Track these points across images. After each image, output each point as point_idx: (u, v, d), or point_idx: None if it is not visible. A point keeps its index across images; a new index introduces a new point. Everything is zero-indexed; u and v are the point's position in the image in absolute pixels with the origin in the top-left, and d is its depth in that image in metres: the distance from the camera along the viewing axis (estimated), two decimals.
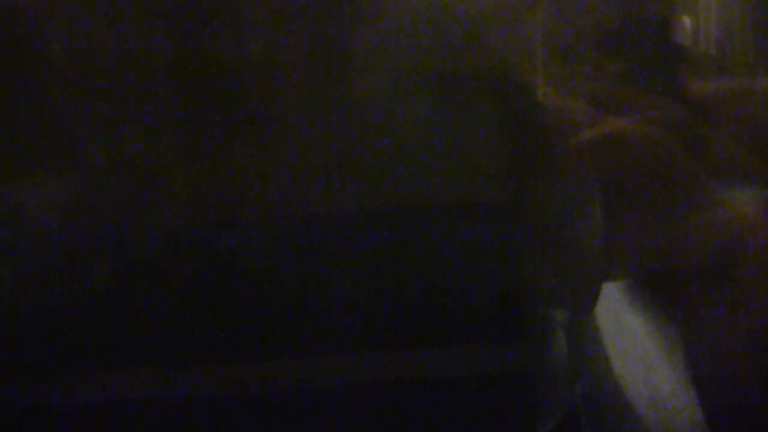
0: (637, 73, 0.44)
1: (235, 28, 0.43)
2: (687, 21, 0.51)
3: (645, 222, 0.41)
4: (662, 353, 0.43)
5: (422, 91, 0.43)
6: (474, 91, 0.43)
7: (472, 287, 0.43)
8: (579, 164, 0.42)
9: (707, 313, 0.40)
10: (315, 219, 0.43)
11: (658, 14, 0.47)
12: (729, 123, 0.41)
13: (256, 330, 0.44)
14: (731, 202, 0.41)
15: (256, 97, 0.43)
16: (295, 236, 0.43)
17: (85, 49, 0.43)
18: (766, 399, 0.40)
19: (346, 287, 0.43)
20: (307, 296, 0.44)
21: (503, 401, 0.44)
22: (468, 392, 0.44)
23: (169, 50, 0.43)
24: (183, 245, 0.44)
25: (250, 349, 0.44)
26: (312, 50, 0.43)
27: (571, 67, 0.43)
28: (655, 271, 0.42)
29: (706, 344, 0.40)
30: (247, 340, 0.44)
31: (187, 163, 0.43)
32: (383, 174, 0.43)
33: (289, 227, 0.43)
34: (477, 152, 0.43)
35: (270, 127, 0.43)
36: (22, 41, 0.43)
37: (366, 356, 0.44)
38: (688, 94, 0.42)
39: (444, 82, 0.43)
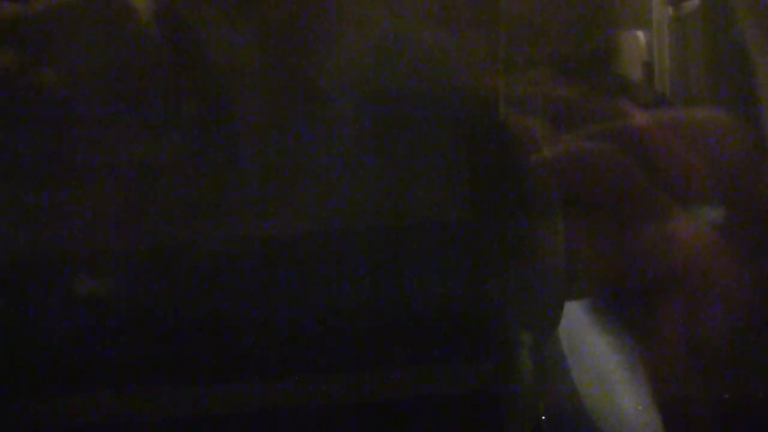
0: (590, 96, 0.44)
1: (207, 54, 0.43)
2: (641, 36, 0.52)
3: (607, 241, 0.42)
4: (624, 372, 0.43)
5: (384, 112, 0.43)
6: (435, 111, 0.43)
7: (435, 307, 0.43)
8: (541, 183, 0.42)
9: (667, 332, 0.41)
10: (278, 239, 0.43)
11: (606, 45, 0.48)
12: (675, 149, 0.42)
13: (225, 351, 0.43)
14: (691, 222, 0.41)
15: (220, 120, 0.43)
16: (264, 256, 0.43)
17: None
18: (726, 418, 0.41)
19: (309, 308, 0.43)
20: (273, 317, 0.43)
21: (467, 421, 0.43)
22: (432, 412, 0.44)
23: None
24: (155, 262, 0.43)
25: (219, 371, 0.43)
26: (274, 72, 0.43)
27: (532, 87, 0.44)
28: (617, 290, 0.42)
29: (667, 363, 0.41)
30: (216, 361, 0.43)
31: (159, 176, 0.43)
32: (348, 195, 0.43)
33: (254, 246, 0.43)
34: (440, 172, 0.43)
35: (236, 147, 0.43)
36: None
37: (331, 377, 0.43)
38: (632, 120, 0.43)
39: (405, 103, 0.43)
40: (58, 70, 0.43)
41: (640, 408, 0.43)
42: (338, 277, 0.43)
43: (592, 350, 0.45)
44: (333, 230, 0.43)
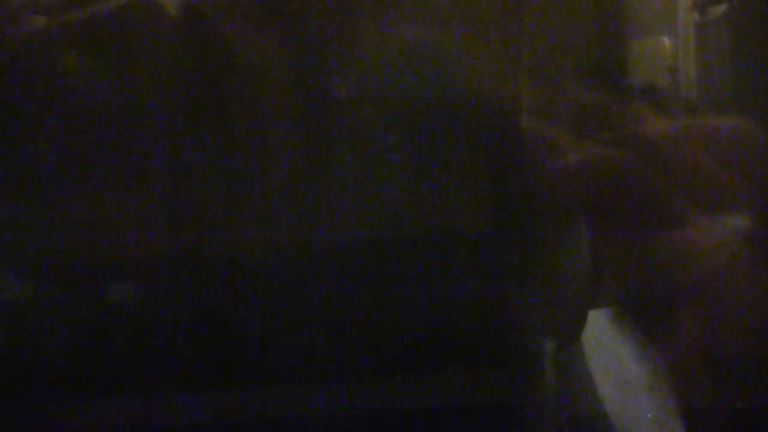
0: (613, 103, 0.44)
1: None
2: (667, 41, 0.51)
3: (629, 249, 0.41)
4: (648, 381, 0.43)
5: (405, 120, 0.43)
6: (456, 119, 0.43)
7: (457, 316, 0.43)
8: (564, 190, 0.42)
9: (688, 340, 0.40)
10: (297, 247, 0.43)
11: (630, 51, 0.47)
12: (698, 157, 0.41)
13: (238, 357, 0.43)
14: (713, 230, 0.41)
15: (233, 123, 0.43)
16: (281, 263, 0.43)
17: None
18: (747, 426, 0.40)
19: (330, 316, 0.43)
20: (291, 324, 0.43)
21: (489, 429, 0.43)
22: (454, 420, 0.43)
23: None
24: (166, 268, 0.43)
25: (232, 377, 0.43)
26: (301, 82, 0.43)
27: (555, 95, 0.43)
28: (641, 298, 0.42)
29: (688, 371, 0.40)
30: (229, 367, 0.43)
31: (177, 181, 0.43)
32: (367, 203, 0.43)
33: (272, 254, 0.43)
34: (462, 180, 0.43)
35: (263, 156, 0.43)
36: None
37: (351, 385, 0.44)
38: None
39: (428, 112, 0.43)
40: (89, 78, 0.43)
41: (663, 416, 0.42)
42: (360, 285, 0.43)
43: (615, 358, 0.44)
44: (355, 239, 0.43)
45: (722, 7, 0.51)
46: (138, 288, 0.43)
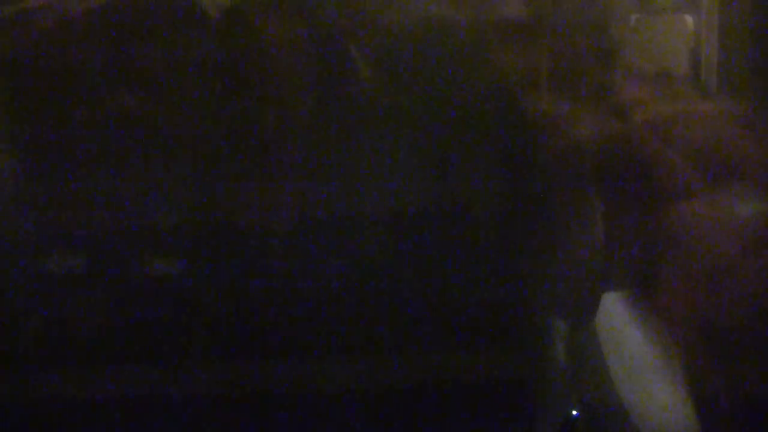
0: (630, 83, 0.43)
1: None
2: (689, 20, 0.51)
3: (643, 229, 0.41)
4: (660, 363, 0.43)
5: (421, 98, 0.43)
6: (472, 98, 0.43)
7: (472, 295, 0.43)
8: (578, 169, 0.42)
9: (703, 323, 0.40)
10: (316, 222, 0.43)
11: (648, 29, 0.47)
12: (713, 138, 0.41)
13: (256, 330, 0.44)
14: (731, 214, 0.41)
15: (262, 105, 0.43)
16: (298, 239, 0.43)
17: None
18: (761, 413, 0.40)
19: (345, 292, 0.43)
20: (306, 300, 0.43)
21: (502, 410, 0.43)
22: (466, 400, 0.44)
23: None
24: (182, 243, 0.44)
25: (249, 350, 0.44)
26: (314, 62, 0.43)
27: (571, 73, 0.43)
28: (653, 280, 0.41)
29: (696, 354, 0.40)
30: (247, 340, 0.44)
31: (193, 160, 0.43)
32: (384, 180, 0.43)
33: (291, 229, 0.43)
34: (478, 160, 0.43)
35: (271, 129, 0.43)
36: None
37: (364, 362, 0.44)
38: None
39: (443, 90, 0.42)
40: (119, 64, 0.43)
41: (674, 399, 0.42)
42: (372, 262, 0.43)
43: (627, 341, 0.44)
44: (374, 216, 0.43)
45: None
46: (163, 263, 0.44)
